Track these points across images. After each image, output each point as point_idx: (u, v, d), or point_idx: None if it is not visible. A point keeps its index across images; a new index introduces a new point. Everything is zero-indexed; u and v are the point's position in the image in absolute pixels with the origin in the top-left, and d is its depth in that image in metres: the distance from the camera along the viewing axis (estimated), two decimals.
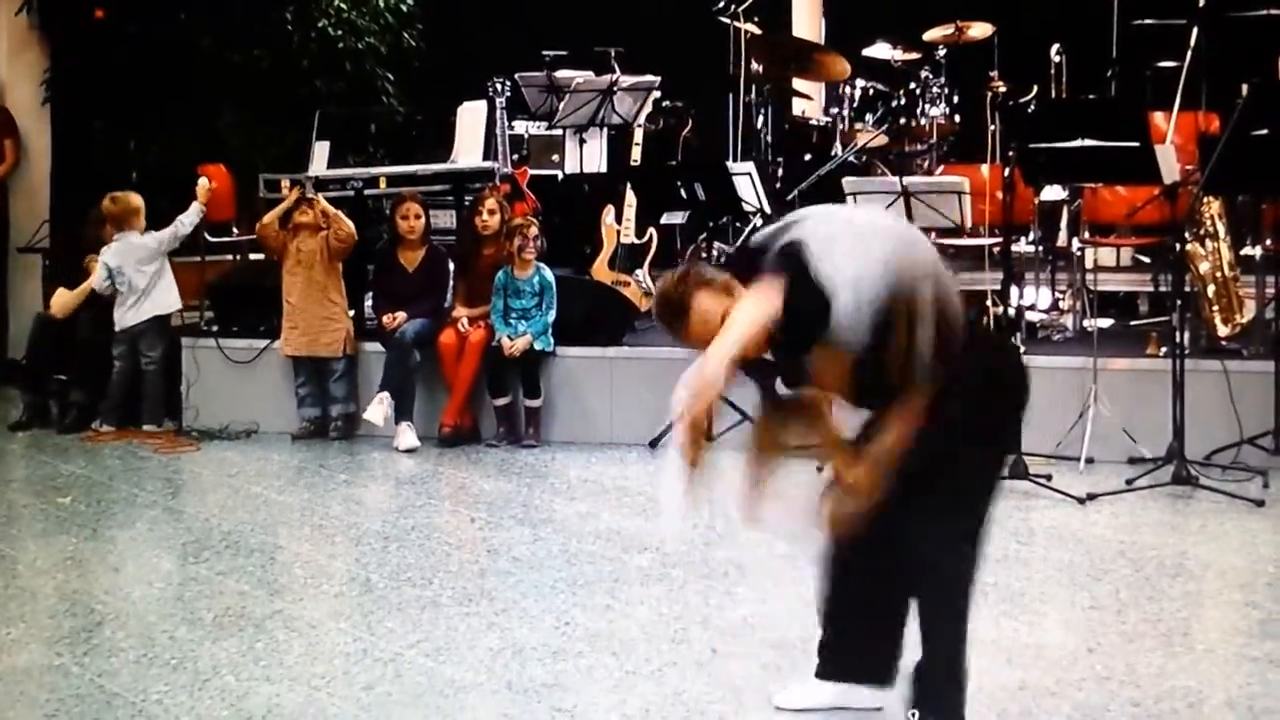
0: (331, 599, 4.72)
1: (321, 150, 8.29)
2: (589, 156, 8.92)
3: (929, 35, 8.42)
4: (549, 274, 7.19)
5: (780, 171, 8.74)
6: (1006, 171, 6.48)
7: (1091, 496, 5.69)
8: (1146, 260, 8.10)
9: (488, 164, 8.13)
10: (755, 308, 3.07)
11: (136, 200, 7.67)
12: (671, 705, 3.67)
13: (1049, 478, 5.81)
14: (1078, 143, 5.73)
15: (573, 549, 5.19)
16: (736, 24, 8.68)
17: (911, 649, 3.38)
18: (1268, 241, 6.96)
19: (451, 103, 8.83)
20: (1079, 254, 7.34)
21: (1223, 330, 6.54)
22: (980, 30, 8.28)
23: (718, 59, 8.91)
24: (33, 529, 5.67)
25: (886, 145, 8.59)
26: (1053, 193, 7.58)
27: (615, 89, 8.55)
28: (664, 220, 8.25)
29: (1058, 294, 7.67)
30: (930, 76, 8.45)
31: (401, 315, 7.19)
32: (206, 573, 4.95)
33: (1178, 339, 5.87)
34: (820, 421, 3.39)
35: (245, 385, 7.54)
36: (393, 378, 7.06)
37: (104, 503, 6.06)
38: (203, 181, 7.78)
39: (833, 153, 8.64)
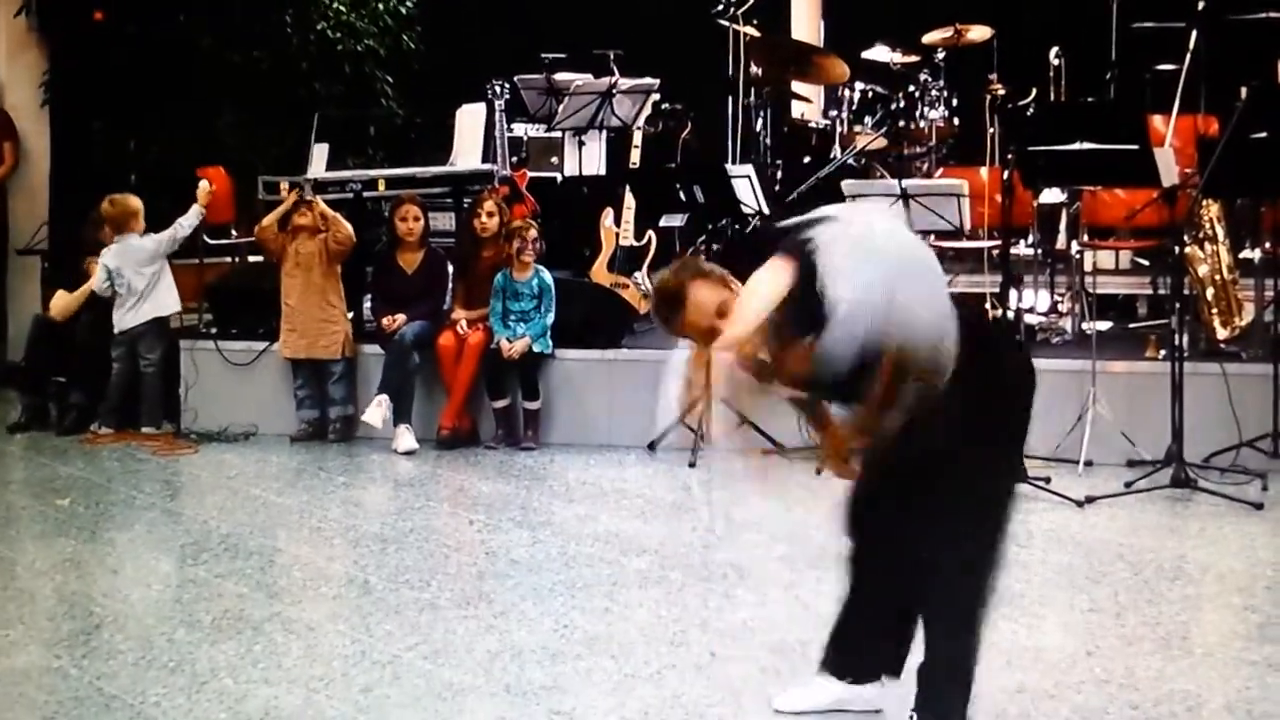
0: (330, 601, 4.72)
1: (320, 152, 8.30)
2: (588, 159, 8.92)
3: (928, 38, 8.43)
4: (548, 276, 7.19)
5: (779, 174, 8.74)
6: (1005, 174, 6.49)
7: (1090, 499, 5.69)
8: (1145, 263, 8.10)
9: (487, 166, 8.13)
10: (773, 280, 3.03)
11: (135, 202, 7.67)
12: (670, 708, 3.67)
13: (1048, 480, 5.81)
14: (1077, 145, 5.74)
15: (571, 551, 5.18)
16: (736, 26, 8.68)
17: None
18: (1267, 244, 6.96)
19: (450, 105, 8.84)
20: (1078, 257, 7.34)
21: (1222, 333, 6.54)
22: (979, 33, 8.29)
23: (717, 62, 8.91)
24: (31, 531, 5.67)
25: (885, 148, 8.59)
26: (1052, 195, 7.58)
27: (614, 91, 8.55)
28: (663, 223, 8.26)
29: (1057, 297, 7.67)
30: (929, 79, 8.46)
31: (400, 317, 7.19)
32: (205, 575, 4.95)
33: (1177, 342, 5.87)
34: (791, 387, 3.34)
35: (244, 387, 7.54)
36: (391, 380, 7.06)
37: (102, 505, 6.05)
38: (203, 184, 7.77)
39: (832, 155, 8.64)
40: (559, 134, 9.07)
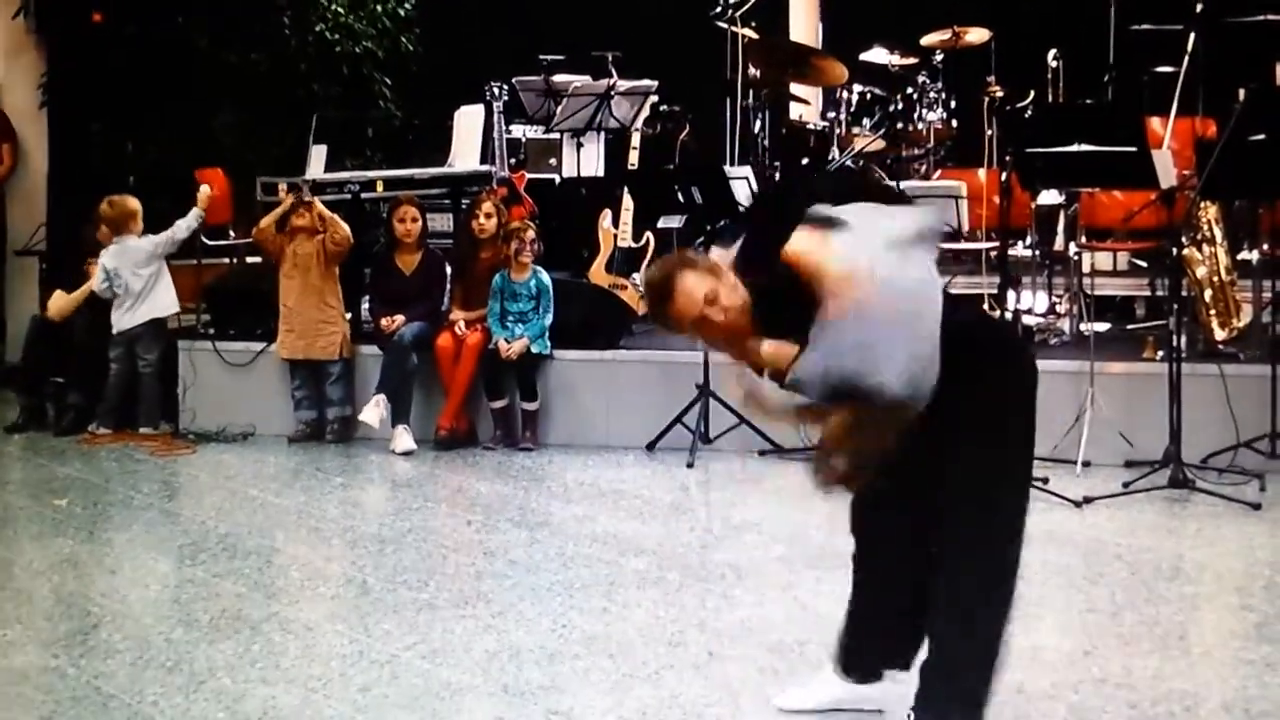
0: (328, 601, 4.72)
1: (319, 153, 8.31)
2: (586, 160, 8.93)
3: (926, 40, 8.44)
4: (546, 277, 7.19)
5: (777, 176, 8.74)
6: (1004, 176, 6.49)
7: (1088, 500, 5.69)
8: (1143, 265, 8.10)
9: (485, 168, 8.14)
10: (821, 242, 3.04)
11: (133, 204, 7.67)
12: (668, 708, 3.67)
13: (1046, 481, 5.80)
14: (1075, 147, 5.73)
15: (569, 552, 5.18)
16: (734, 28, 8.68)
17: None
18: (1264, 246, 6.97)
19: (449, 106, 8.85)
20: (1076, 258, 7.35)
21: (1220, 334, 6.55)
22: (977, 35, 8.30)
23: (715, 63, 8.91)
24: (29, 531, 5.66)
25: (884, 150, 8.59)
26: (1050, 197, 7.59)
27: (613, 93, 8.56)
28: (661, 224, 8.25)
29: (1055, 298, 7.68)
30: (927, 81, 8.47)
31: (399, 318, 7.20)
32: (203, 575, 4.95)
33: (1175, 343, 5.87)
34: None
35: (242, 388, 7.54)
36: (390, 380, 7.06)
37: (100, 505, 6.05)
38: (205, 189, 7.77)
39: (830, 157, 8.64)
40: (557, 135, 9.08)
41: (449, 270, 7.46)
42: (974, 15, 8.33)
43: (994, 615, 3.23)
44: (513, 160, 8.78)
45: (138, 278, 7.52)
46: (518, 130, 9.19)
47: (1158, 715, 3.58)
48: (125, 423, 7.51)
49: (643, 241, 8.23)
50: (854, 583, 3.52)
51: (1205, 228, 6.53)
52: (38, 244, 9.16)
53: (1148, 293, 7.98)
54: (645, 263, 8.15)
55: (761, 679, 3.86)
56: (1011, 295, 6.89)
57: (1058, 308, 7.57)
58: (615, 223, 8.25)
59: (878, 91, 8.74)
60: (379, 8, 10.27)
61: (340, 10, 9.98)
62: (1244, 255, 7.08)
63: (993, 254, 7.48)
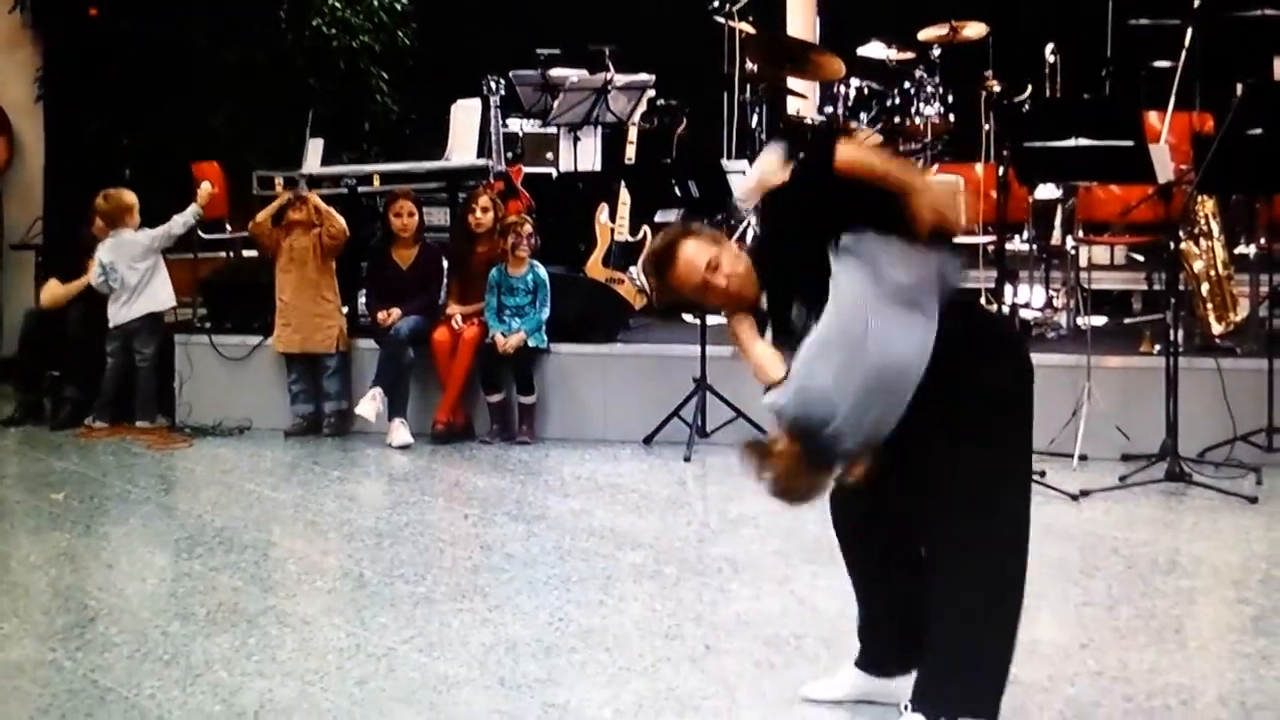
0: (324, 595, 4.72)
1: (315, 147, 8.30)
2: (583, 154, 8.92)
3: (924, 34, 8.43)
4: (543, 272, 7.19)
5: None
6: (1001, 170, 6.49)
7: (1085, 493, 5.70)
8: (1141, 259, 8.11)
9: (482, 162, 8.14)
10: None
11: (129, 198, 7.66)
12: (664, 701, 3.67)
13: (1042, 474, 5.80)
14: (1072, 142, 5.73)
15: (566, 545, 5.18)
16: (731, 23, 8.68)
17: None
18: (1261, 240, 6.97)
19: (446, 101, 8.85)
20: (1073, 252, 7.35)
21: (1216, 328, 6.55)
22: (975, 30, 8.29)
23: (712, 58, 8.91)
24: (26, 525, 5.66)
25: (881, 144, 8.58)
26: (1047, 191, 7.59)
27: (610, 87, 8.56)
28: (658, 218, 8.25)
29: (1052, 292, 7.67)
30: (925, 76, 8.46)
31: (395, 312, 7.19)
32: (200, 568, 4.95)
33: (1171, 337, 5.87)
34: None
35: (238, 382, 7.54)
36: (386, 374, 7.06)
37: (97, 499, 6.05)
38: (205, 185, 7.76)
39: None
40: (554, 130, 9.08)
41: (446, 264, 7.45)
42: (971, 10, 8.33)
43: (996, 617, 3.19)
44: (509, 154, 8.77)
45: (134, 271, 7.52)
46: (514, 124, 9.18)
47: (1154, 708, 3.59)
48: (122, 416, 7.51)
49: (640, 236, 8.23)
50: (851, 584, 3.53)
51: (1202, 222, 6.54)
52: (34, 238, 9.15)
53: (1145, 287, 7.99)
54: (642, 257, 8.16)
55: (758, 672, 3.86)
56: (1009, 289, 6.90)
57: (1055, 302, 7.57)
58: (612, 217, 8.25)
59: (875, 86, 8.72)
60: (375, 2, 10.25)
61: (337, 5, 9.96)
62: (1241, 250, 7.08)
63: (990, 248, 7.49)
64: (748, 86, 8.85)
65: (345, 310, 7.48)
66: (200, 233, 8.39)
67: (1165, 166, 5.80)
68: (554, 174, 9.03)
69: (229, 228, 8.95)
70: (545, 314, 7.11)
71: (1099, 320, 7.39)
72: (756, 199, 3.39)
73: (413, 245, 7.40)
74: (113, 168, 9.11)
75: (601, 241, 8.21)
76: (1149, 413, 6.08)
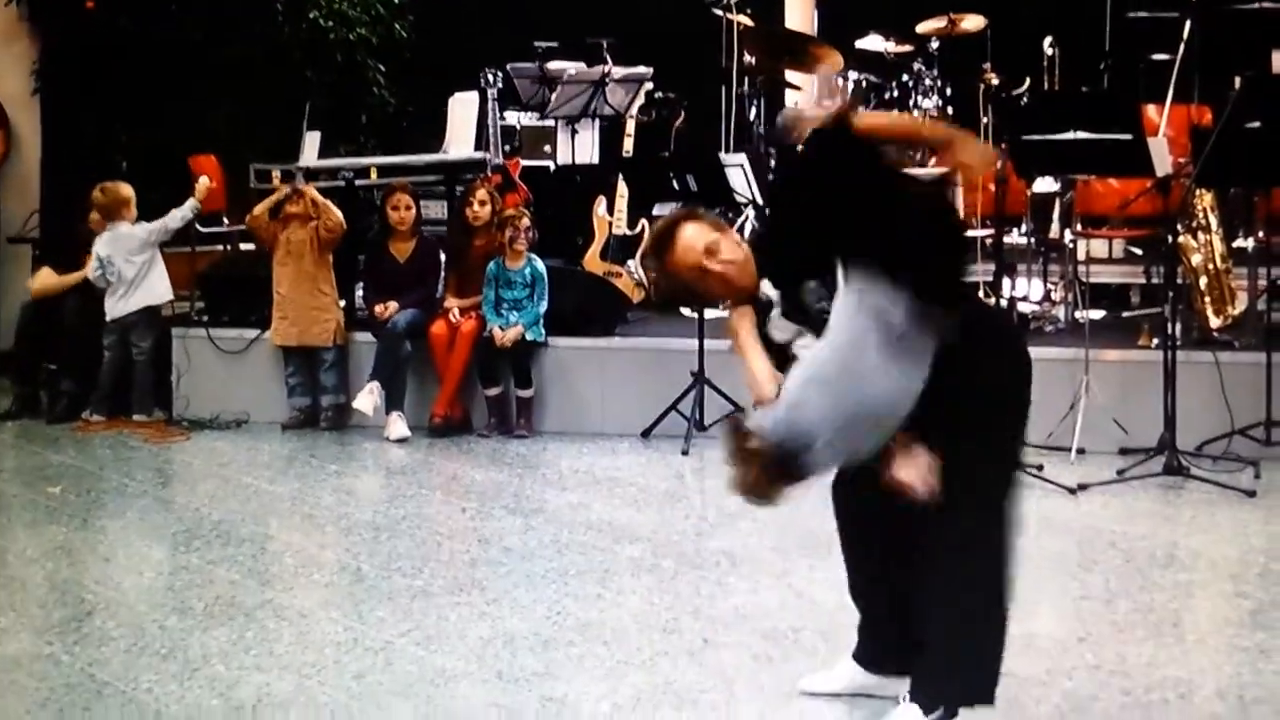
0: (322, 588, 4.72)
1: (312, 140, 8.29)
2: (581, 147, 8.91)
3: (922, 27, 8.42)
4: (541, 265, 7.18)
5: (773, 163, 8.73)
6: (999, 163, 6.47)
7: (1083, 487, 5.69)
8: (1139, 252, 8.10)
9: (479, 155, 8.12)
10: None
11: (126, 191, 7.64)
12: (662, 694, 3.67)
13: (1040, 468, 5.81)
14: (1070, 135, 5.73)
15: (564, 539, 5.18)
16: (729, 16, 8.67)
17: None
18: (1260, 233, 6.97)
19: (443, 93, 8.82)
20: (1071, 246, 7.34)
21: (1214, 322, 6.55)
22: (973, 22, 8.27)
23: (710, 51, 8.90)
24: (23, 518, 5.66)
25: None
26: (1045, 184, 7.58)
27: (607, 80, 8.54)
28: (656, 211, 8.21)
29: (1050, 285, 7.67)
30: (923, 69, 8.44)
31: (393, 305, 7.18)
32: (197, 562, 4.94)
33: (1169, 330, 5.87)
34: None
35: (235, 375, 7.53)
36: (384, 368, 7.05)
37: (94, 492, 6.05)
38: (204, 180, 7.75)
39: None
40: (552, 122, 9.05)
41: (443, 257, 7.44)
42: (969, 2, 8.31)
43: (990, 608, 3.21)
44: (507, 147, 8.76)
45: (131, 265, 7.50)
46: (512, 117, 9.16)
47: (1152, 702, 3.59)
48: (119, 410, 7.50)
49: (638, 229, 8.21)
50: (850, 584, 3.54)
51: (1201, 215, 6.53)
52: (31, 231, 9.13)
53: (1143, 280, 7.98)
54: (640, 251, 8.16)
55: (755, 665, 3.86)
56: (1007, 282, 6.89)
57: (1053, 295, 7.57)
58: (610, 210, 8.24)
59: (873, 79, 8.71)
60: None
61: None
62: (1239, 243, 7.08)
63: (988, 241, 7.47)
64: (746, 79, 8.84)
65: (342, 303, 7.47)
66: (198, 226, 8.37)
67: (1163, 160, 5.80)
68: (552, 167, 9.02)
69: (226, 221, 8.94)
70: (543, 307, 7.10)
71: (1097, 314, 7.38)
72: (797, 128, 3.40)
73: (410, 238, 7.39)
74: (109, 161, 9.10)
75: (599, 235, 8.20)
76: (1147, 406, 6.07)
